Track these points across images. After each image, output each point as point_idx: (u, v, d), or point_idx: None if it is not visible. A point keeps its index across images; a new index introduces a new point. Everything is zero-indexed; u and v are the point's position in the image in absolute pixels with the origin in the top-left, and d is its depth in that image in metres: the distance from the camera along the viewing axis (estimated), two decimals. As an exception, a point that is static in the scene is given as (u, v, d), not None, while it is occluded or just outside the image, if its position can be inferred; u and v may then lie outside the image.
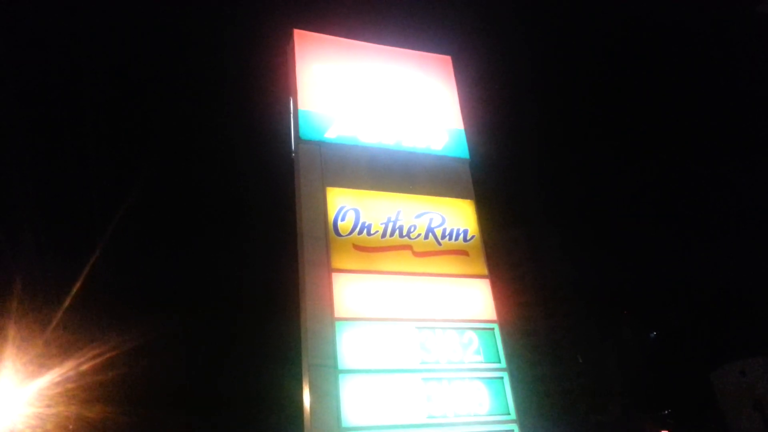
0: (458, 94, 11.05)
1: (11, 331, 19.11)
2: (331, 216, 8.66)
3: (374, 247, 8.64)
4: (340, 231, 8.58)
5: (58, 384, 20.57)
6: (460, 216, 9.43)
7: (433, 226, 9.10)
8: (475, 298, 8.63)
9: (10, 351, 18.66)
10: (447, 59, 11.48)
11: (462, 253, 9.02)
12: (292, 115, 9.93)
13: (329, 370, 7.48)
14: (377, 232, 8.74)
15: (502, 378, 8.07)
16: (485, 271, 8.97)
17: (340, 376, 7.47)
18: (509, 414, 7.83)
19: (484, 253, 9.13)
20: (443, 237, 9.06)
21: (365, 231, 8.68)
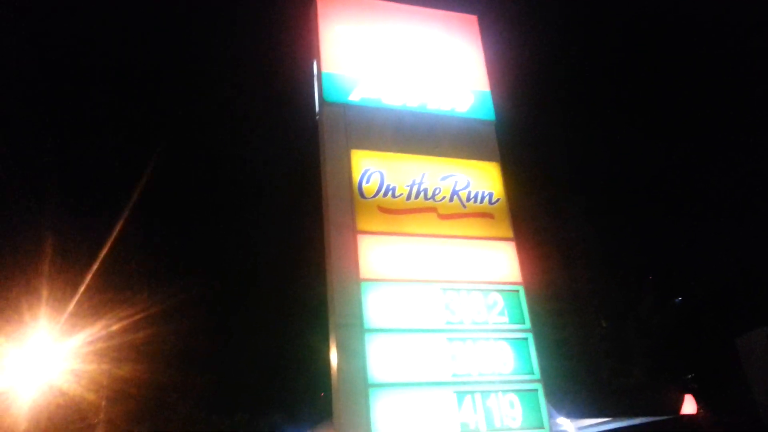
0: (484, 55, 10.86)
1: (44, 291, 19.77)
2: (356, 178, 8.68)
3: (399, 209, 8.66)
4: (365, 193, 8.61)
5: (90, 343, 21.30)
6: (485, 179, 9.38)
7: (457, 188, 9.07)
8: (500, 261, 8.65)
9: (44, 310, 19.35)
10: (473, 19, 11.26)
11: (487, 215, 9.00)
12: (315, 77, 9.90)
13: (355, 329, 7.62)
14: (402, 194, 8.75)
15: (526, 339, 8.14)
16: (510, 234, 8.96)
17: (366, 335, 7.59)
18: (533, 374, 7.91)
19: (510, 216, 9.10)
20: (468, 200, 9.04)
21: (390, 193, 8.70)
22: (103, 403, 21.90)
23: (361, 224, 8.35)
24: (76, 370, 21.38)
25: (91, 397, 22.23)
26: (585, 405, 16.15)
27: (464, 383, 7.60)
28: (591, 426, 19.43)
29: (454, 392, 7.53)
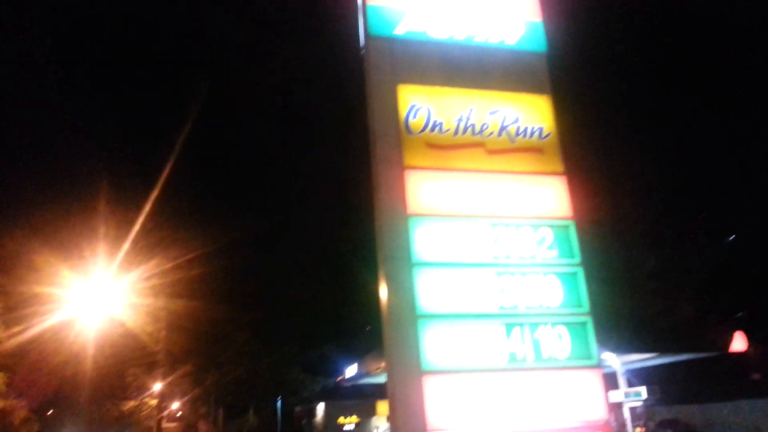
0: (535, -20, 10.34)
1: (102, 229, 20.73)
2: (403, 114, 8.60)
3: (446, 145, 8.58)
4: (412, 129, 8.54)
5: (146, 279, 22.42)
6: (535, 112, 9.14)
7: (506, 123, 8.89)
8: (550, 195, 8.54)
9: (103, 247, 20.36)
10: (523, -57, 10.65)
11: (537, 150, 8.83)
12: (360, 10, 9.67)
13: (403, 262, 7.74)
14: (449, 130, 8.65)
15: (575, 273, 8.13)
16: (561, 169, 8.79)
17: (414, 269, 7.72)
18: (582, 307, 7.94)
19: (560, 151, 8.90)
20: (517, 134, 8.86)
21: (437, 129, 8.60)
22: (163, 333, 23.25)
23: (409, 160, 8.33)
24: (135, 303, 22.63)
25: (150, 329, 23.58)
26: (631, 340, 16.19)
27: (512, 315, 7.70)
28: (636, 362, 19.51)
29: (502, 324, 7.65)
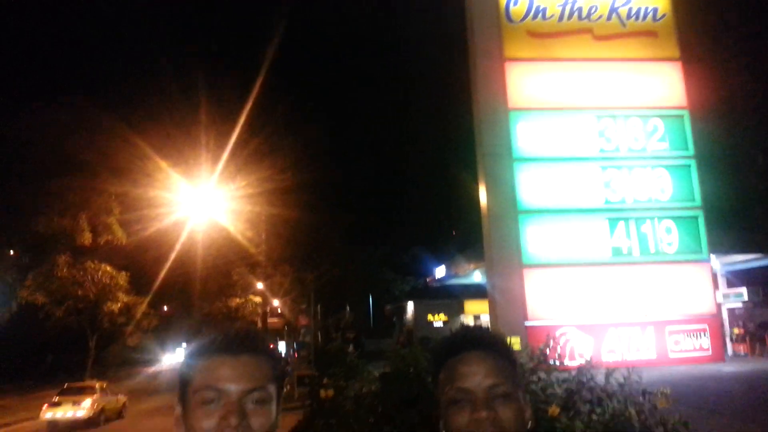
0: None
1: (203, 139, 21.73)
2: (503, 1, 8.15)
3: (550, 32, 8.11)
4: (513, 17, 8.11)
5: (244, 188, 23.53)
6: (648, -8, 8.37)
7: (617, 5, 8.22)
8: (663, 83, 7.98)
9: (204, 156, 21.43)
10: None
11: (650, 34, 8.17)
12: None
13: (504, 158, 7.64)
14: (553, 15, 8.13)
15: (688, 166, 7.72)
16: (677, 54, 8.12)
17: (515, 164, 7.61)
18: (693, 200, 7.60)
19: (677, 34, 8.19)
20: (629, 17, 8.20)
21: (540, 15, 8.11)
22: (263, 237, 24.67)
23: (509, 51, 7.99)
24: (236, 210, 23.97)
25: (250, 234, 25.04)
26: (736, 240, 15.42)
27: (617, 210, 7.52)
28: (738, 263, 18.65)
29: (606, 218, 7.50)
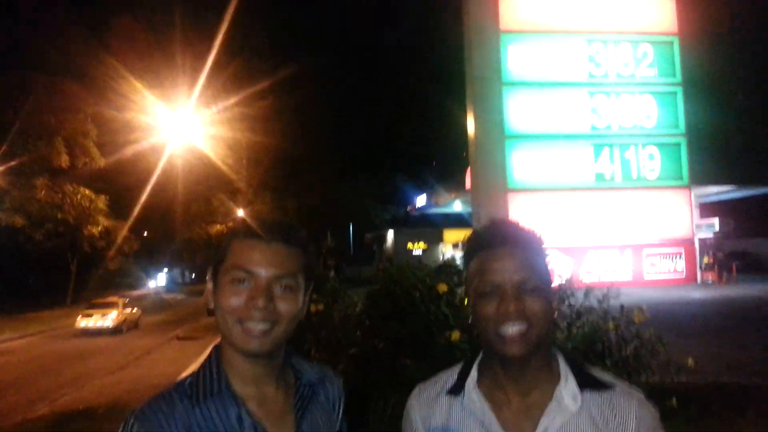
0: None
1: (179, 60, 20.98)
2: None
3: (544, -49, 7.84)
4: (507, -67, 7.79)
5: (222, 112, 23.00)
6: None
7: (613, -77, 7.93)
8: (654, 8, 7.85)
9: (181, 78, 20.77)
10: None
11: (645, -45, 7.95)
12: None
13: (494, 83, 7.57)
14: (548, -67, 7.83)
15: (675, 93, 7.76)
16: (670, -24, 7.96)
17: (505, 88, 7.56)
18: (677, 127, 7.70)
19: (672, -45, 7.99)
20: (624, -64, 7.94)
21: (535, -68, 7.81)
22: (243, 163, 24.43)
23: (502, -30, 7.73)
24: (215, 135, 23.54)
25: (230, 161, 24.73)
26: (711, 171, 15.73)
27: (602, 136, 7.59)
28: (712, 195, 19.13)
29: (591, 144, 7.59)
